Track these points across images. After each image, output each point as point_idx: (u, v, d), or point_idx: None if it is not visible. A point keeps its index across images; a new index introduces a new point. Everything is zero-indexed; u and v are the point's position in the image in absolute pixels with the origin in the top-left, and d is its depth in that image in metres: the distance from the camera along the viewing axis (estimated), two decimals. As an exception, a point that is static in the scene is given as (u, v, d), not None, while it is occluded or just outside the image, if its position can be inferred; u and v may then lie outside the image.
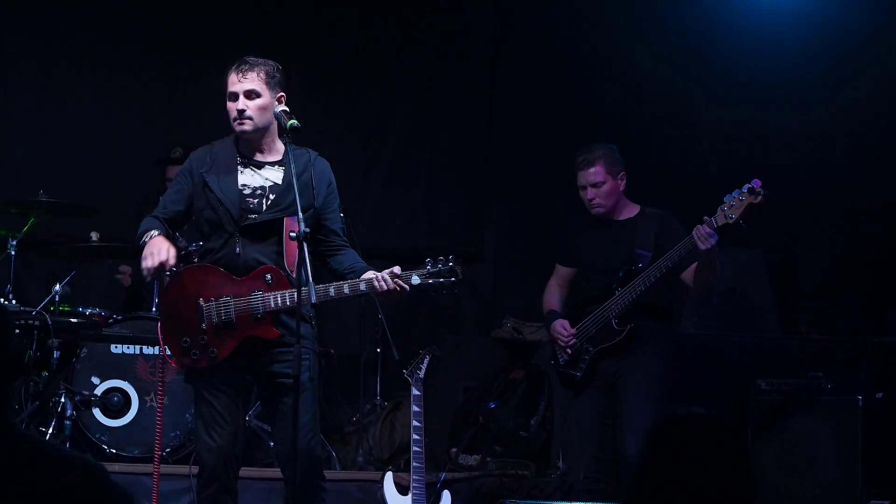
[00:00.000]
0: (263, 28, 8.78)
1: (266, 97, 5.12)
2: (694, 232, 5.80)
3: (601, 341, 6.14)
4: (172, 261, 4.98)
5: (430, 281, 5.04)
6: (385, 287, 4.98)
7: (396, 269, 5.01)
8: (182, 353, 5.09)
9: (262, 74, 5.13)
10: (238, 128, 5.13)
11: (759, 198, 5.72)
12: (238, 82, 5.13)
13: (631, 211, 6.35)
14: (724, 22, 8.89)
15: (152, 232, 5.06)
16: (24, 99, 8.54)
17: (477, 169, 9.52)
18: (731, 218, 5.72)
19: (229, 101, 5.15)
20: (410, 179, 9.37)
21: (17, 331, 6.92)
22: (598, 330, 6.15)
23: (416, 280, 5.03)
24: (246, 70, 5.13)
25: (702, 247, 5.77)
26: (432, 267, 5.03)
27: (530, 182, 9.47)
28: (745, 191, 5.74)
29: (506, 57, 9.49)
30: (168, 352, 5.14)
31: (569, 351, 6.23)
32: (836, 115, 8.51)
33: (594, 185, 6.28)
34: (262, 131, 5.15)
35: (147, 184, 8.27)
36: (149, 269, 4.96)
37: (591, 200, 6.30)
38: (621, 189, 6.31)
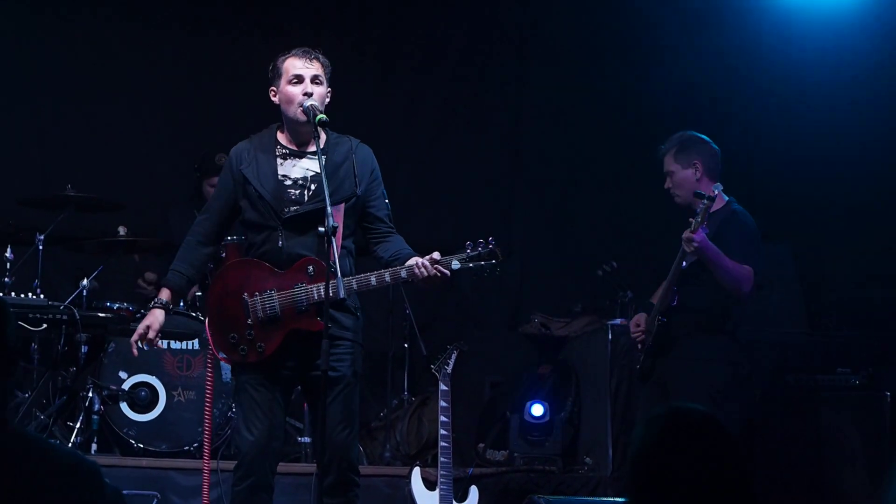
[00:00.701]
0: (293, 25, 8.76)
1: (325, 86, 5.15)
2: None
3: (650, 336, 6.08)
4: (152, 335, 5.13)
5: (471, 265, 4.98)
6: (425, 274, 4.94)
7: (436, 255, 4.97)
8: (230, 349, 5.07)
9: (324, 64, 5.17)
10: (301, 117, 5.07)
11: (705, 200, 5.72)
12: (305, 67, 5.12)
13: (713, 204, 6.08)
14: (758, 27, 8.83)
15: (160, 297, 5.21)
16: (52, 94, 8.54)
17: (504, 163, 9.52)
18: (699, 221, 5.71)
19: (290, 84, 5.10)
20: (438, 174, 9.35)
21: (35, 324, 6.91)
22: (652, 323, 6.09)
23: (456, 265, 4.97)
24: (312, 57, 5.15)
25: (685, 249, 5.76)
26: (472, 250, 4.97)
27: (558, 177, 9.45)
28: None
29: (535, 52, 9.47)
30: (218, 349, 5.11)
31: (639, 345, 6.17)
32: (866, 110, 8.44)
33: (668, 175, 6.16)
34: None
35: (175, 178, 8.28)
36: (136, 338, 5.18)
37: (668, 190, 6.18)
38: (696, 178, 6.09)
